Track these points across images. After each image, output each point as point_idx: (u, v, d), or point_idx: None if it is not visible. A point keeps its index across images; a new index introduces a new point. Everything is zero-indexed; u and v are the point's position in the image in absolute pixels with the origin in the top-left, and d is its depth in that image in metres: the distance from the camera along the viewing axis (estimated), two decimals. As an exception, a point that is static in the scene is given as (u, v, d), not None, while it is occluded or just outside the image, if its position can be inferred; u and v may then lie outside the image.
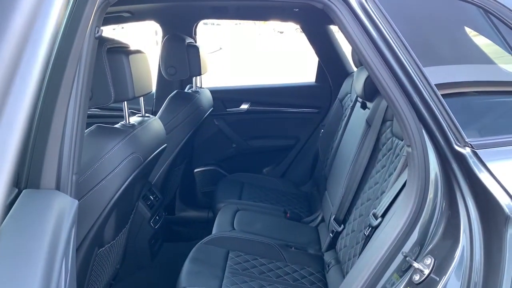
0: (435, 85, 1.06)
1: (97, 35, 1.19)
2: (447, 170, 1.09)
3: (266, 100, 2.79)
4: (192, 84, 2.47)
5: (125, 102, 1.43)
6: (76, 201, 0.91)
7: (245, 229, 1.98)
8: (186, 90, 2.44)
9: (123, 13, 2.43)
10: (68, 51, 0.89)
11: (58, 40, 0.94)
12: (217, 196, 2.40)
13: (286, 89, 2.83)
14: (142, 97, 1.59)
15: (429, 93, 1.06)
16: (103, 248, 1.48)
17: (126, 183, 1.37)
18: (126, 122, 1.45)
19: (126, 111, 1.45)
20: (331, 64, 2.72)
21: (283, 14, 2.55)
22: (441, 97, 1.05)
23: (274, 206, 2.30)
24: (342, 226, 1.76)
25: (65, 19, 1.08)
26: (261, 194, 2.46)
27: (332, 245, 1.85)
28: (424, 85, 1.06)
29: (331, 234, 1.84)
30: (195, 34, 2.65)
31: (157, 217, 2.10)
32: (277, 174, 2.87)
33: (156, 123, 1.62)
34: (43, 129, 0.88)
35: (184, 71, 2.17)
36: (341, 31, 1.16)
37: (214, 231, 1.98)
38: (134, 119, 1.54)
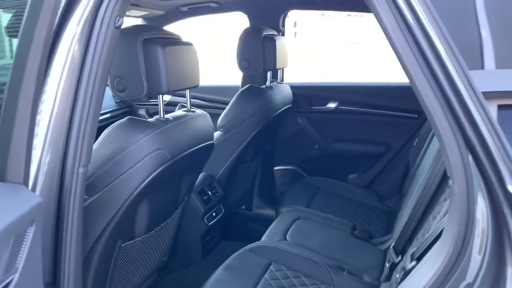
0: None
1: (117, 24, 1.13)
2: (497, 216, 0.79)
3: (356, 100, 2.52)
4: (276, 78, 2.33)
5: (161, 95, 1.37)
6: (39, 200, 0.87)
7: (298, 241, 1.80)
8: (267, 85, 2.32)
9: (210, 3, 2.40)
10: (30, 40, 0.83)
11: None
12: (284, 199, 2.25)
13: (381, 89, 2.51)
14: (188, 91, 1.52)
15: (477, 108, 0.78)
16: (132, 241, 1.45)
17: (149, 179, 1.31)
18: (160, 116, 1.39)
19: (161, 105, 1.39)
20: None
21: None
22: (490, 114, 0.76)
23: (343, 219, 2.06)
24: (400, 257, 1.47)
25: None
26: (334, 204, 2.23)
27: (389, 277, 1.56)
28: (471, 97, 0.78)
29: (387, 264, 1.56)
30: (282, 25, 2.50)
31: (213, 213, 2.04)
32: (362, 183, 2.59)
33: (199, 120, 1.53)
34: (7, 122, 0.85)
35: (258, 65, 2.05)
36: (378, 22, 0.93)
37: (264, 237, 1.84)
38: (174, 114, 1.47)
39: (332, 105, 2.56)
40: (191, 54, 1.43)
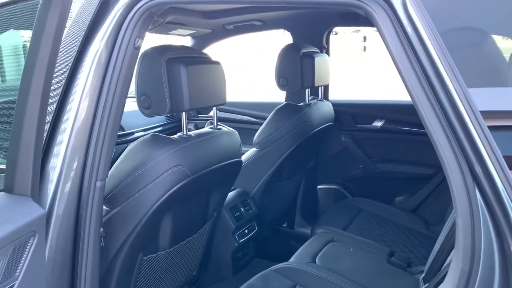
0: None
1: (136, 45, 1.18)
2: (505, 255, 0.71)
3: (403, 119, 2.41)
4: (316, 95, 2.30)
5: (183, 113, 1.40)
6: (41, 212, 0.91)
7: (327, 265, 1.74)
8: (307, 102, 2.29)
9: (254, 21, 2.43)
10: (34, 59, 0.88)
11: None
12: (321, 219, 2.19)
13: None
14: (215, 108, 1.54)
15: (479, 133, 0.71)
16: (154, 255, 1.48)
17: (168, 194, 1.33)
18: (183, 133, 1.42)
19: (184, 122, 1.42)
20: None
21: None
22: (491, 139, 0.69)
23: (380, 244, 1.96)
24: None
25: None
26: (375, 227, 2.13)
27: (419, 311, 1.45)
28: (472, 120, 0.72)
29: (416, 297, 1.45)
30: (326, 42, 2.46)
31: (246, 230, 2.03)
32: (409, 207, 2.45)
33: (224, 137, 1.54)
34: (16, 137, 0.91)
35: (295, 82, 2.04)
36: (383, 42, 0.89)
37: (292, 259, 1.79)
38: (199, 131, 1.50)
39: (378, 123, 2.47)
40: (216, 72, 1.45)
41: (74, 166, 1.14)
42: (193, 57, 1.42)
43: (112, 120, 1.18)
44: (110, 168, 1.27)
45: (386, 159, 2.50)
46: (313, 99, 2.30)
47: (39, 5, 0.82)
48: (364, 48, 20.14)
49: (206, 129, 1.54)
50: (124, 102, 1.22)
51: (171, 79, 1.31)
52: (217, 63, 1.47)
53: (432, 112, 0.81)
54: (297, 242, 2.65)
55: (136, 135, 2.69)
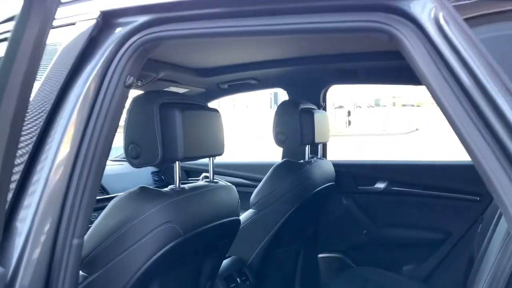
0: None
1: (127, 83, 1.06)
2: None
3: (408, 180, 2.27)
4: (315, 153, 2.17)
5: (177, 162, 1.24)
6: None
7: None
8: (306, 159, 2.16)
9: (250, 80, 2.37)
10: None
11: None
12: None
13: (436, 168, 2.26)
14: (211, 159, 1.39)
15: None
16: None
17: (156, 256, 1.14)
18: (175, 186, 1.25)
19: (177, 173, 1.26)
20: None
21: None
22: None
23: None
24: None
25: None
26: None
27: None
28: None
29: None
30: (323, 100, 2.39)
31: (242, 305, 1.79)
32: (419, 275, 2.24)
33: (222, 192, 1.37)
34: None
35: (294, 138, 1.92)
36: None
37: None
38: (193, 184, 1.33)
39: (380, 185, 2.33)
40: (214, 120, 1.32)
41: (48, 220, 0.95)
42: (189, 104, 1.30)
43: (96, 167, 1.02)
44: (89, 225, 1.09)
45: (392, 224, 2.33)
46: (313, 157, 2.17)
47: (15, 19, 0.69)
48: (349, 123, 20.69)
49: (201, 182, 1.38)
50: (110, 148, 1.07)
51: (164, 124, 1.17)
52: (215, 110, 1.35)
53: (485, 148, 0.68)
54: None
55: None
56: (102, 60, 1.03)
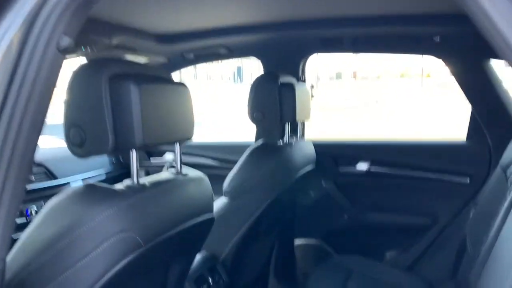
0: None
1: (61, 45, 0.76)
2: None
3: (393, 161, 2.08)
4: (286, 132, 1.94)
5: (134, 151, 0.97)
6: None
7: None
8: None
9: (219, 48, 2.08)
10: None
11: None
12: (306, 286, 1.76)
13: (423, 147, 2.08)
14: (178, 145, 1.11)
15: None
16: None
17: (109, 276, 0.87)
18: (132, 182, 0.98)
19: (134, 165, 0.98)
20: (491, 116, 1.91)
21: (417, 45, 1.88)
22: None
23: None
24: None
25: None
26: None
27: None
28: None
29: None
30: (303, 71, 2.14)
31: (216, 307, 1.56)
32: (403, 263, 2.08)
33: (192, 186, 1.11)
34: None
35: (273, 117, 1.67)
36: None
37: None
38: (156, 177, 1.06)
39: (363, 166, 2.13)
40: (181, 97, 1.05)
41: None
42: (148, 76, 1.01)
43: (19, 157, 0.74)
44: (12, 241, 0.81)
45: (375, 208, 2.15)
46: (292, 137, 1.93)
47: None
48: (311, 97, 20.58)
49: (166, 174, 1.11)
50: (39, 132, 0.78)
51: (115, 103, 0.89)
52: (182, 85, 1.07)
53: None
54: None
55: (73, 185, 2.18)
56: (24, 12, 0.73)
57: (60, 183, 2.11)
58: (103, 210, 0.87)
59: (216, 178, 2.43)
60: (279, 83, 1.67)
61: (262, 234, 1.80)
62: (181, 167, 1.13)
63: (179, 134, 1.04)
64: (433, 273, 1.95)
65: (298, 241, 2.27)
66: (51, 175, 2.10)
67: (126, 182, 0.97)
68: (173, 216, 1.00)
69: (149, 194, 0.96)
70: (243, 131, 2.66)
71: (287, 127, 1.80)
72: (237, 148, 2.38)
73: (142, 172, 2.59)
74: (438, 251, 2.00)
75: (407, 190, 2.08)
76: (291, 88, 1.68)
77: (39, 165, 2.11)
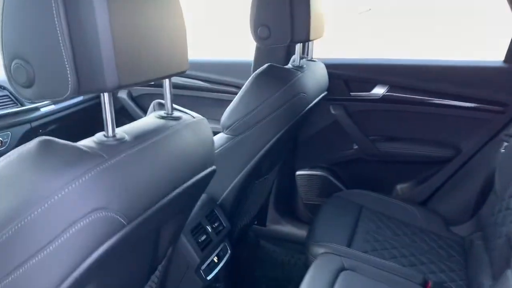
0: None
1: None
2: None
3: (413, 85, 1.81)
4: (298, 53, 1.64)
5: (105, 95, 0.68)
6: None
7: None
8: (290, 63, 1.61)
9: None
10: None
11: None
12: (315, 231, 1.57)
13: (450, 69, 1.79)
14: (167, 81, 0.82)
15: None
16: None
17: (82, 267, 0.64)
18: (107, 134, 0.70)
19: (107, 114, 0.69)
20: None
21: None
22: None
23: (409, 269, 1.40)
24: None
25: None
26: (387, 235, 1.56)
27: None
28: None
29: None
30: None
31: (215, 258, 1.37)
32: (417, 198, 1.91)
33: (189, 133, 0.84)
34: None
35: (283, 33, 1.35)
36: None
37: None
38: (139, 125, 0.78)
39: (380, 90, 1.85)
40: (169, 8, 0.73)
41: None
42: None
43: None
44: None
45: (390, 137, 1.92)
46: (303, 58, 1.62)
47: None
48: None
49: (152, 119, 0.82)
50: None
51: (74, 20, 0.58)
52: None
53: None
54: (270, 243, 2.08)
55: (43, 111, 1.88)
56: None
57: (28, 108, 1.81)
58: (67, 182, 0.60)
59: (209, 103, 2.16)
60: None
61: (264, 171, 1.58)
62: (172, 107, 0.85)
63: (169, 66, 0.74)
64: (450, 211, 1.78)
65: (300, 172, 2.06)
66: (17, 101, 1.79)
67: (98, 136, 0.70)
68: (166, 180, 0.74)
69: (132, 152, 0.69)
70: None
71: (299, 47, 1.49)
72: (233, 67, 2.08)
73: (124, 93, 2.28)
74: (457, 187, 1.82)
75: (428, 119, 1.84)
76: None
77: (2, 88, 1.79)
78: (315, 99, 1.50)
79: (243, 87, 1.35)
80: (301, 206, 2.10)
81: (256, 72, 1.36)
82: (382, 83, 1.85)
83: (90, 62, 0.60)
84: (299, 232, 2.05)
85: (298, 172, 2.07)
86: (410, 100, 1.82)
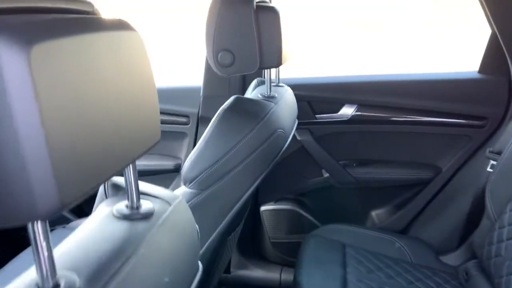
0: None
1: None
2: None
3: (384, 102, 1.64)
4: (263, 76, 1.39)
5: None
6: None
7: None
8: (252, 91, 1.36)
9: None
10: None
11: None
12: (301, 283, 1.33)
13: (423, 83, 1.64)
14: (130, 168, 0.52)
15: None
16: None
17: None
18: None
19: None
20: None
21: None
22: None
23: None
24: None
25: None
26: (382, 280, 1.36)
27: None
28: None
29: None
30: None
31: None
32: (396, 226, 1.74)
33: (161, 239, 0.55)
34: None
35: (249, 59, 1.09)
36: None
37: None
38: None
39: (348, 110, 1.66)
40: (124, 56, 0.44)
41: None
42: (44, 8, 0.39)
43: None
44: None
45: (362, 161, 1.72)
46: (260, 84, 1.38)
47: None
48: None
49: (104, 219, 0.53)
50: None
51: None
52: (126, 27, 0.46)
53: None
54: None
55: None
56: None
57: None
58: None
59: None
60: (255, 6, 1.08)
61: (237, 224, 1.31)
62: (138, 199, 0.56)
63: (135, 148, 0.46)
64: (436, 238, 1.62)
65: (265, 207, 1.81)
66: None
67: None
68: None
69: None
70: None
71: (268, 74, 1.24)
72: (180, 93, 1.79)
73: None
74: (440, 211, 1.66)
75: (402, 138, 1.67)
76: (274, 13, 1.10)
77: None
78: (291, 133, 1.26)
79: (208, 129, 1.07)
80: (269, 246, 1.85)
81: (222, 108, 1.09)
82: (350, 102, 1.65)
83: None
84: (268, 275, 1.80)
85: (262, 208, 1.82)
86: (382, 119, 1.64)
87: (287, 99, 1.31)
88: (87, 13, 0.47)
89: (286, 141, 1.20)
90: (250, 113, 1.10)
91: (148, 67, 0.48)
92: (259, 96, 1.23)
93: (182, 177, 1.09)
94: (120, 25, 0.45)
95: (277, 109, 1.17)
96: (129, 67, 0.45)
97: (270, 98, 1.21)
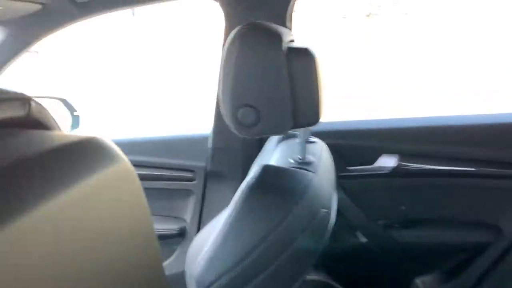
0: None
1: None
2: None
3: (434, 151, 1.36)
4: (303, 144, 1.11)
5: None
6: None
7: None
8: (276, 145, 1.09)
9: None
10: None
11: None
12: None
13: (478, 128, 1.36)
14: None
15: None
16: None
17: None
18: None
19: None
20: None
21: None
22: None
23: None
24: None
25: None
26: None
27: None
28: None
29: None
30: (290, 20, 1.27)
31: None
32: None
33: None
34: None
35: (279, 116, 0.81)
36: None
37: None
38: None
39: (387, 161, 1.38)
40: None
41: None
42: None
43: None
44: None
45: (408, 222, 1.44)
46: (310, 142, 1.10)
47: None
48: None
49: None
50: None
51: None
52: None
53: None
54: None
55: None
56: None
57: None
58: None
59: (157, 196, 1.57)
60: (286, 48, 0.81)
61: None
62: None
63: None
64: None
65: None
66: None
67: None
68: None
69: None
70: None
71: (303, 135, 0.96)
72: (185, 143, 1.53)
73: None
74: (503, 281, 1.37)
75: (455, 193, 1.38)
76: (310, 57, 0.83)
77: None
78: (334, 209, 0.98)
79: (229, 213, 0.80)
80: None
81: (247, 184, 0.81)
82: (389, 151, 1.38)
83: None
84: None
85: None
86: (430, 171, 1.36)
87: (326, 162, 1.03)
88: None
89: (331, 224, 0.92)
90: (283, 190, 0.82)
91: None
92: (291, 161, 0.95)
93: (195, 279, 0.81)
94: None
95: (317, 181, 0.89)
96: None
97: (305, 164, 0.93)
